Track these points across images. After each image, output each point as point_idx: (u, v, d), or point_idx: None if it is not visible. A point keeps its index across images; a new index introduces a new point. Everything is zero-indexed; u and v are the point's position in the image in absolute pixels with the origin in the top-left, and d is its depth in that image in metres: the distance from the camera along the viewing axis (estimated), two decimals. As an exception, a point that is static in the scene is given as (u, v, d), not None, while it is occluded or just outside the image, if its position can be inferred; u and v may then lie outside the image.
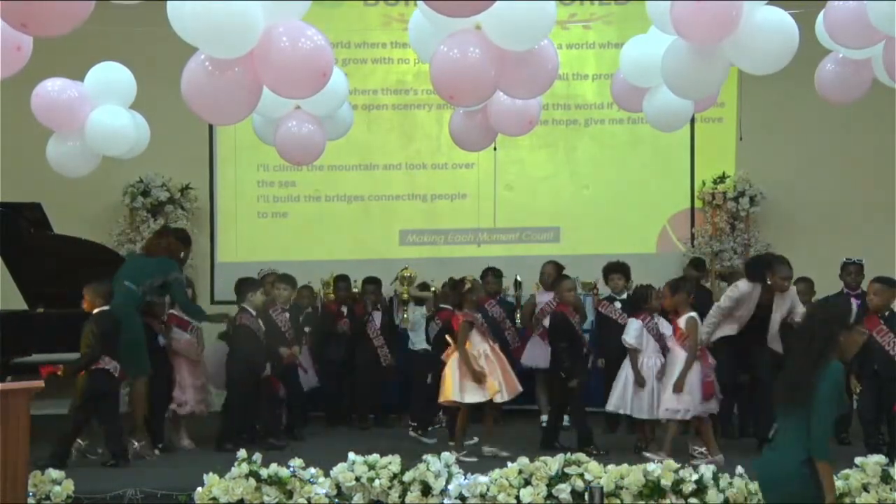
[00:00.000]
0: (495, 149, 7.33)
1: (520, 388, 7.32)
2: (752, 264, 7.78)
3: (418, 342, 8.69)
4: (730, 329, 7.46)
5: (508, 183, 10.13)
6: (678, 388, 6.99)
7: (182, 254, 7.84)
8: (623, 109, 7.17)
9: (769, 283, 7.39)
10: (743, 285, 7.47)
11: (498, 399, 7.21)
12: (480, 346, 7.22)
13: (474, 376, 7.08)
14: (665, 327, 7.37)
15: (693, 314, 7.16)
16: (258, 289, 7.79)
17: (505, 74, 5.13)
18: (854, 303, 7.69)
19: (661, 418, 7.19)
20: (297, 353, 8.07)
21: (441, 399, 7.28)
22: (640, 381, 7.30)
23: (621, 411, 7.49)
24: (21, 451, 5.09)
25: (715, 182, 10.04)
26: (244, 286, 7.83)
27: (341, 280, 8.89)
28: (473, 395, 7.12)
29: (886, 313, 7.28)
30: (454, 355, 7.21)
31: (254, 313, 7.68)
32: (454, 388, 7.11)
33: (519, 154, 10.05)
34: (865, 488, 6.11)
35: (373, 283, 8.80)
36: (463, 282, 7.45)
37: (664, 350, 7.30)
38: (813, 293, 8.01)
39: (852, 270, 7.95)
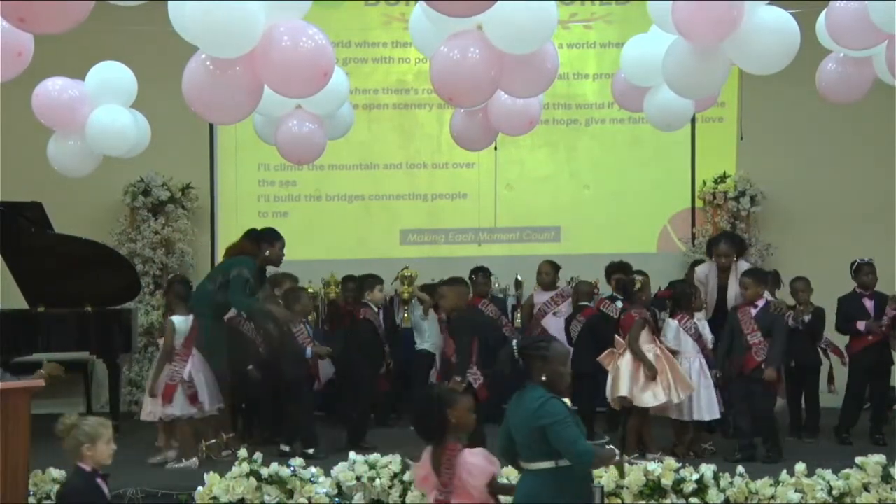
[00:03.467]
0: (496, 148, 7.33)
1: (693, 388, 7.04)
2: (707, 243, 8.00)
3: (420, 342, 8.68)
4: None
5: (509, 182, 10.12)
6: (152, 391, 6.98)
7: (266, 251, 7.67)
8: (624, 109, 7.17)
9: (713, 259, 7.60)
10: (699, 268, 7.74)
11: (675, 400, 7.02)
12: (647, 347, 7.09)
13: (648, 373, 6.97)
14: (706, 328, 7.27)
15: (173, 317, 7.08)
16: (377, 285, 7.82)
17: (505, 74, 5.12)
18: (869, 303, 7.80)
19: None
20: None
21: (610, 397, 7.18)
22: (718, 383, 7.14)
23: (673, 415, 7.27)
24: (21, 451, 5.10)
25: (716, 182, 10.04)
26: (365, 282, 7.88)
27: (349, 280, 8.86)
28: (647, 399, 6.99)
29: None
30: (626, 354, 7.10)
31: (375, 309, 7.73)
32: (625, 386, 7.03)
33: (519, 153, 10.05)
34: (866, 488, 6.11)
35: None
36: (633, 280, 7.36)
37: (704, 351, 7.20)
38: (811, 291, 8.01)
39: (866, 271, 7.90)
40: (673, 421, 7.25)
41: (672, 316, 7.35)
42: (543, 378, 4.15)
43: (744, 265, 7.63)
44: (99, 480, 4.52)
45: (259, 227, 8.01)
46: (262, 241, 7.67)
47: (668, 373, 7.01)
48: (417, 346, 8.68)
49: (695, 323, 7.25)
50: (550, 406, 4.07)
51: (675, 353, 7.16)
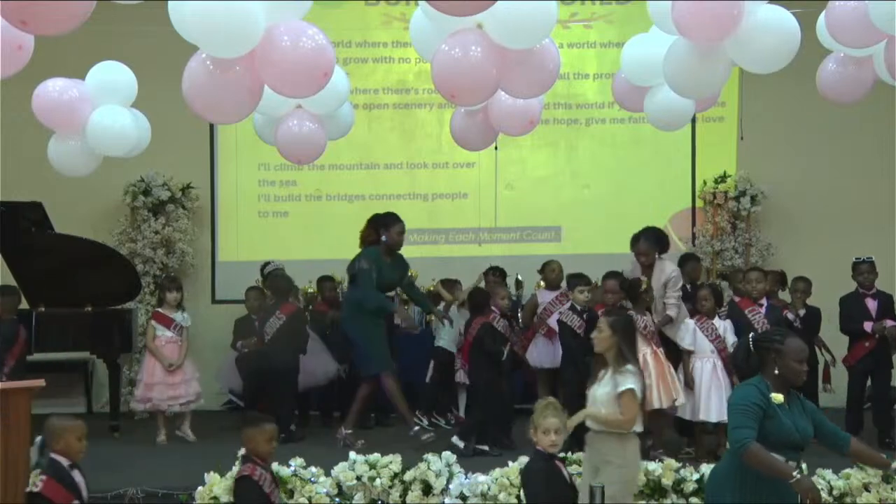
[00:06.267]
0: (496, 148, 7.34)
1: (675, 397, 6.99)
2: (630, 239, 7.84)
3: (437, 339, 8.63)
4: None
5: (509, 182, 10.13)
6: None
7: (382, 236, 7.62)
8: (624, 109, 7.15)
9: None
10: (625, 268, 7.65)
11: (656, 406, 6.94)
12: (641, 350, 6.97)
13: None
14: (725, 329, 7.18)
15: None
16: (578, 285, 7.71)
17: (506, 74, 5.12)
18: (872, 303, 7.75)
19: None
20: None
21: None
22: (688, 383, 7.09)
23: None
24: (21, 451, 5.09)
25: (716, 181, 10.04)
26: (569, 282, 7.83)
27: (326, 280, 8.92)
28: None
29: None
30: None
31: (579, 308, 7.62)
32: None
33: (520, 153, 10.05)
34: (867, 488, 6.11)
35: None
36: (639, 281, 7.26)
37: (721, 351, 7.11)
38: (809, 293, 8.00)
39: (864, 269, 7.85)
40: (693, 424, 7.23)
41: (691, 316, 7.31)
42: (776, 371, 4.18)
43: (669, 265, 7.49)
44: (557, 462, 4.77)
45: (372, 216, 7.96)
46: (380, 226, 7.67)
47: (654, 378, 6.96)
48: (435, 342, 8.66)
49: (713, 323, 7.18)
50: (741, 390, 4.17)
51: (690, 353, 7.13)
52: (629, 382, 4.98)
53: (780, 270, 8.59)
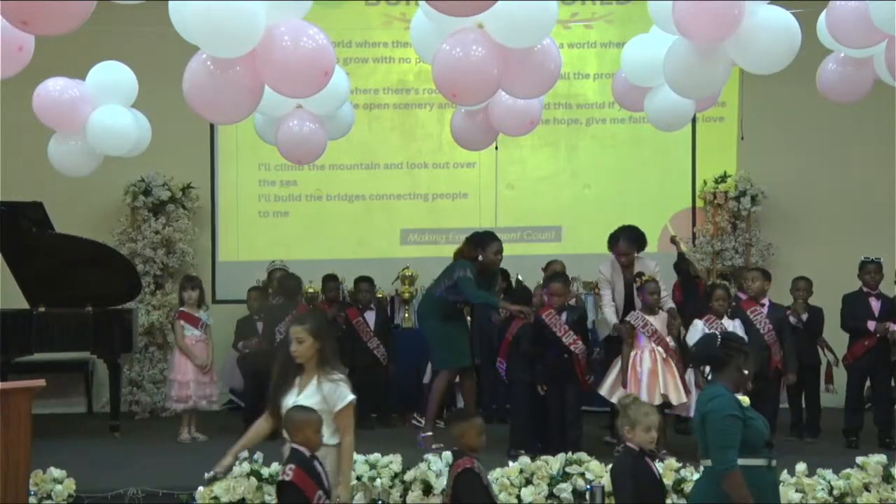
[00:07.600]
0: (496, 148, 7.36)
1: (668, 398, 6.98)
2: (608, 239, 7.87)
3: None
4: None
5: (510, 182, 10.13)
6: None
7: (479, 256, 7.68)
8: (624, 109, 7.16)
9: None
10: (603, 266, 7.70)
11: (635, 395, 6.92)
12: (644, 347, 7.13)
13: (622, 377, 7.10)
14: (735, 329, 7.12)
15: None
16: None
17: (507, 74, 5.12)
18: (875, 303, 7.74)
19: None
20: None
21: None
22: (700, 383, 6.92)
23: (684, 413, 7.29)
24: (22, 451, 5.09)
25: (716, 181, 10.03)
26: None
27: (331, 280, 8.92)
28: (615, 395, 7.06)
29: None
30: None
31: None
32: (606, 385, 7.21)
33: (520, 153, 10.05)
34: (867, 488, 6.11)
35: (365, 282, 8.79)
36: (637, 278, 7.33)
37: None
38: (811, 293, 7.99)
39: (871, 269, 7.81)
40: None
41: (698, 316, 7.31)
42: (745, 372, 4.22)
43: (650, 262, 7.57)
44: (647, 459, 4.73)
45: (475, 235, 8.01)
46: (476, 245, 7.77)
47: (646, 375, 7.00)
48: None
49: (721, 323, 7.17)
50: (718, 402, 4.14)
51: None
52: (349, 394, 4.78)
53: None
